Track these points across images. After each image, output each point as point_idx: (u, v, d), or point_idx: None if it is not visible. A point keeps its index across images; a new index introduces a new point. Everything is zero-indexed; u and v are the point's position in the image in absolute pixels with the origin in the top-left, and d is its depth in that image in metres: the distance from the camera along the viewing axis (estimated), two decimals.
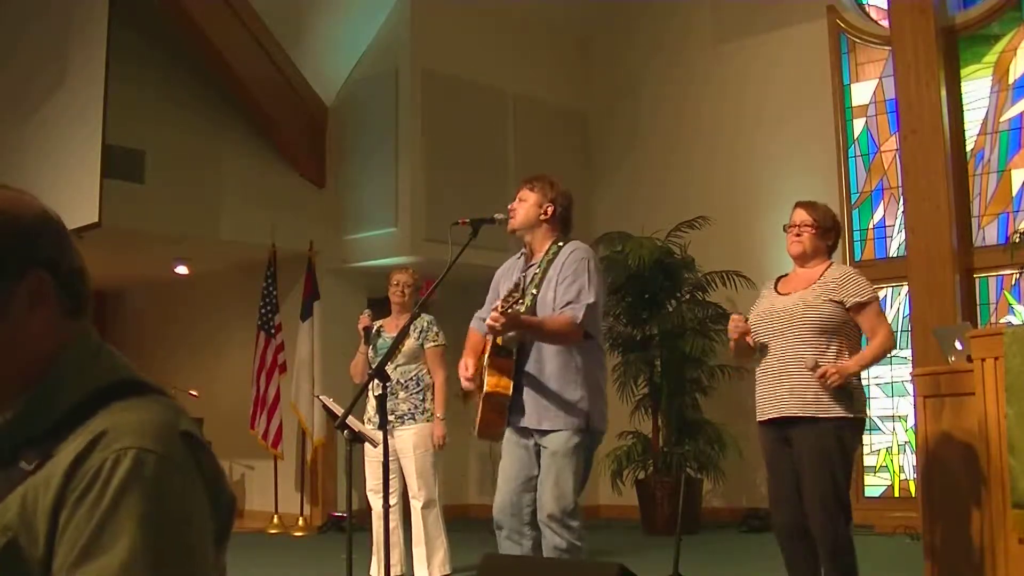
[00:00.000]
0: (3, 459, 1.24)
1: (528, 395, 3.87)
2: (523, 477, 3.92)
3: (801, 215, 4.30)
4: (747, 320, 4.29)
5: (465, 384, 3.94)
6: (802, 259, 4.30)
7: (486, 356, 3.89)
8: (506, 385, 3.84)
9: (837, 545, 4.06)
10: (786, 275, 4.43)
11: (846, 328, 4.14)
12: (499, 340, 3.81)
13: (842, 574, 4.07)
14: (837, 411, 4.04)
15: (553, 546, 3.79)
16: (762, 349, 4.24)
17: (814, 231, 4.25)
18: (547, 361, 3.87)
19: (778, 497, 4.21)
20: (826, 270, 4.25)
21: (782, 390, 4.11)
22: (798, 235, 4.27)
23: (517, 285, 3.64)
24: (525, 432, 3.92)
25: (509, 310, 3.62)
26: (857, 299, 4.12)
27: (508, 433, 3.97)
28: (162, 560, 1.15)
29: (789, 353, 4.12)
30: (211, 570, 1.23)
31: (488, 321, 3.67)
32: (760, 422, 4.24)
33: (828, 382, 3.98)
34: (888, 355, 4.37)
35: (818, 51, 8.93)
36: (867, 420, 4.29)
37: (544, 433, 3.87)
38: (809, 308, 4.11)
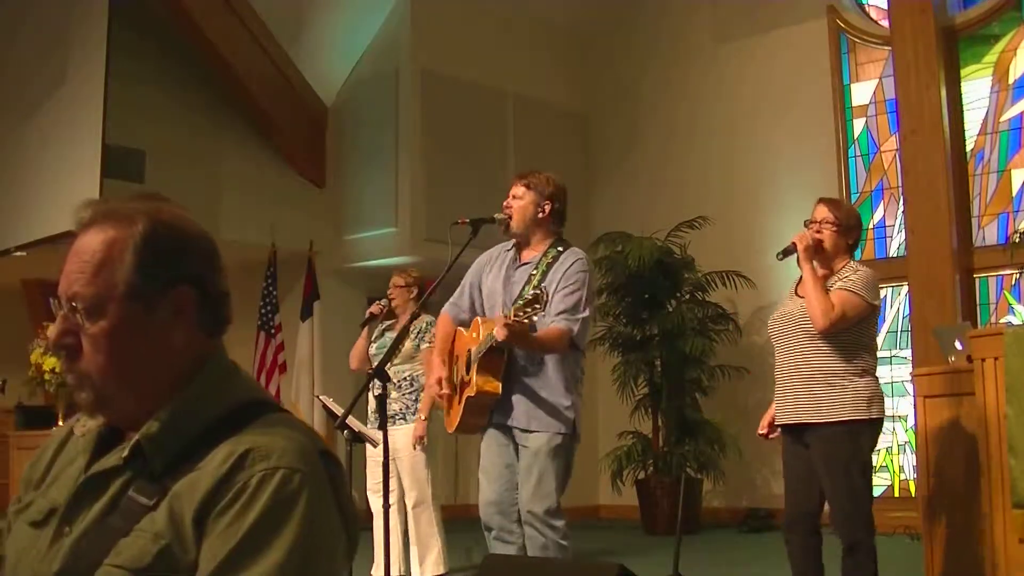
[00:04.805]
0: (153, 471, 1.27)
1: (519, 397, 3.84)
2: (507, 476, 3.90)
3: (823, 211, 4.15)
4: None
5: (439, 400, 3.96)
6: (821, 256, 4.11)
7: (474, 351, 3.85)
8: (495, 386, 3.80)
9: (858, 551, 3.97)
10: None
11: (854, 327, 4.00)
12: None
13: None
14: (849, 414, 3.95)
15: (539, 545, 3.76)
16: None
17: (836, 229, 4.10)
18: (547, 365, 3.86)
19: (788, 489, 4.19)
20: (840, 270, 4.10)
21: (793, 396, 4.06)
22: (818, 232, 4.11)
23: (538, 296, 3.56)
24: (507, 431, 3.90)
25: (524, 321, 3.57)
26: (841, 284, 3.98)
27: (489, 432, 3.95)
28: (308, 572, 1.21)
29: (796, 355, 4.06)
30: None
31: (496, 332, 3.62)
32: (779, 425, 4.20)
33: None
34: (833, 321, 3.93)
35: (818, 51, 8.92)
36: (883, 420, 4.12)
37: (528, 433, 3.85)
38: None
